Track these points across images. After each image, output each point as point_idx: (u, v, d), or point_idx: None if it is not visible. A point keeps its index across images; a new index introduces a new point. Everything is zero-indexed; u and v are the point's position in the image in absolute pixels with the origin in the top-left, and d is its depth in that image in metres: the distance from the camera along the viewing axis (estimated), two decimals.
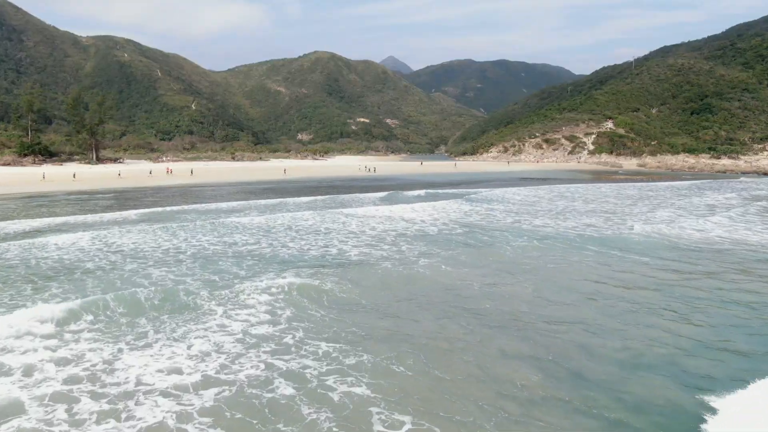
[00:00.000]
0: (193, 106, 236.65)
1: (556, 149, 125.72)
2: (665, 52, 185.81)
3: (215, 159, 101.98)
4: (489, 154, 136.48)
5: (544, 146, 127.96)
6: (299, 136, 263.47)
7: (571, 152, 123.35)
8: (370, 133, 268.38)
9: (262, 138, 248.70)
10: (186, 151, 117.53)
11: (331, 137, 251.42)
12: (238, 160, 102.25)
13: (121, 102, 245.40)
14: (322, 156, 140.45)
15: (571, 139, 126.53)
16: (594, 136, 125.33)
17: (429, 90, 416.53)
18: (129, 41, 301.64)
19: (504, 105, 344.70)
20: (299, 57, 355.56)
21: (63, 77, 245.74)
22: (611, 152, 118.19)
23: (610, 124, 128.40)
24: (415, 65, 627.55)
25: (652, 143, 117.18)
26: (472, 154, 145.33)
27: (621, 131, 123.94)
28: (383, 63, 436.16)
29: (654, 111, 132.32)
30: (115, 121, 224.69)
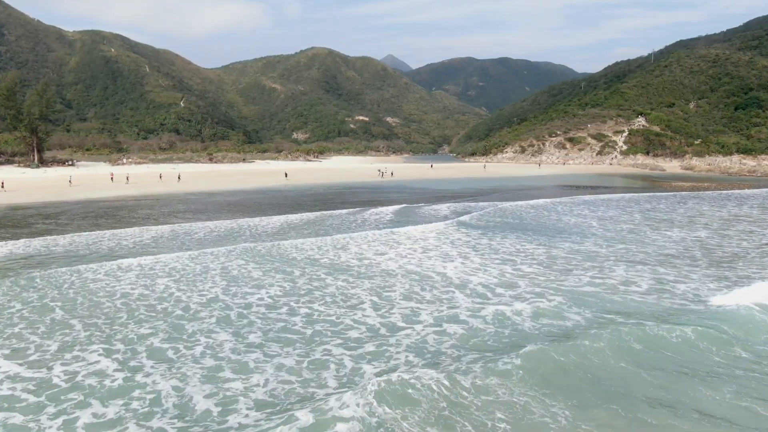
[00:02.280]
0: (182, 104, 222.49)
1: (582, 149, 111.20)
2: (683, 46, 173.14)
3: (189, 161, 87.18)
4: (504, 155, 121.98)
5: (568, 146, 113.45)
6: (295, 135, 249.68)
7: (600, 153, 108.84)
8: (370, 132, 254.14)
9: (255, 137, 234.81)
10: (162, 151, 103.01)
11: (329, 136, 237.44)
12: (216, 162, 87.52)
13: (105, 99, 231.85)
14: (317, 157, 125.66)
15: (598, 137, 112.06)
16: (625, 134, 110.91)
17: (429, 88, 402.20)
18: (117, 36, 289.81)
19: (507, 103, 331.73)
20: (296, 53, 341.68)
21: (45, 73, 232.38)
22: (647, 153, 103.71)
23: (642, 121, 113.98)
24: (415, 64, 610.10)
25: (696, 143, 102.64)
26: (483, 155, 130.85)
27: (656, 129, 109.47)
28: (382, 62, 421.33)
29: (691, 106, 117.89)
30: (98, 118, 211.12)
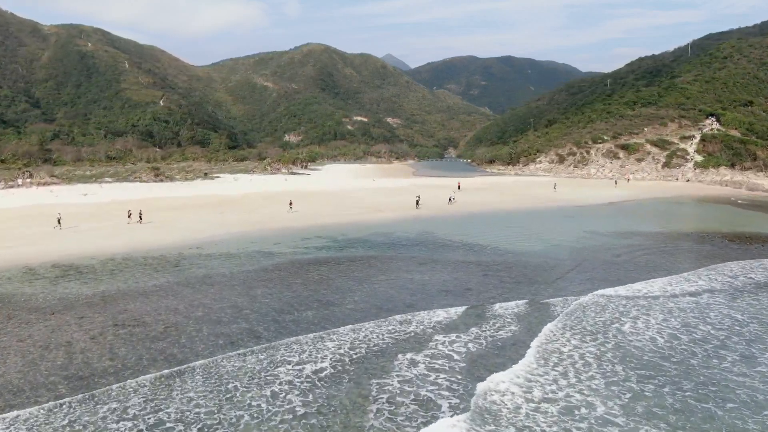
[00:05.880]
0: (161, 102, 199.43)
1: (642, 159, 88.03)
2: (715, 39, 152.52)
3: (127, 177, 63.02)
4: (538, 165, 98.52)
5: (622, 155, 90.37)
6: (287, 137, 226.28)
7: (666, 164, 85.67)
8: (369, 134, 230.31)
9: (243, 139, 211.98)
10: (108, 160, 79.85)
11: (324, 138, 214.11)
12: (163, 180, 63.41)
13: (77, 97, 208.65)
14: (306, 166, 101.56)
15: (660, 144, 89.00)
16: (696, 140, 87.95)
17: (430, 88, 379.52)
18: (97, 30, 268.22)
19: (511, 102, 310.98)
20: (290, 50, 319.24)
21: (13, 69, 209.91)
22: (732, 165, 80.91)
23: (714, 124, 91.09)
24: (414, 64, 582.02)
25: None
26: (509, 164, 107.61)
27: (735, 133, 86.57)
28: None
29: None
30: (68, 118, 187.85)
